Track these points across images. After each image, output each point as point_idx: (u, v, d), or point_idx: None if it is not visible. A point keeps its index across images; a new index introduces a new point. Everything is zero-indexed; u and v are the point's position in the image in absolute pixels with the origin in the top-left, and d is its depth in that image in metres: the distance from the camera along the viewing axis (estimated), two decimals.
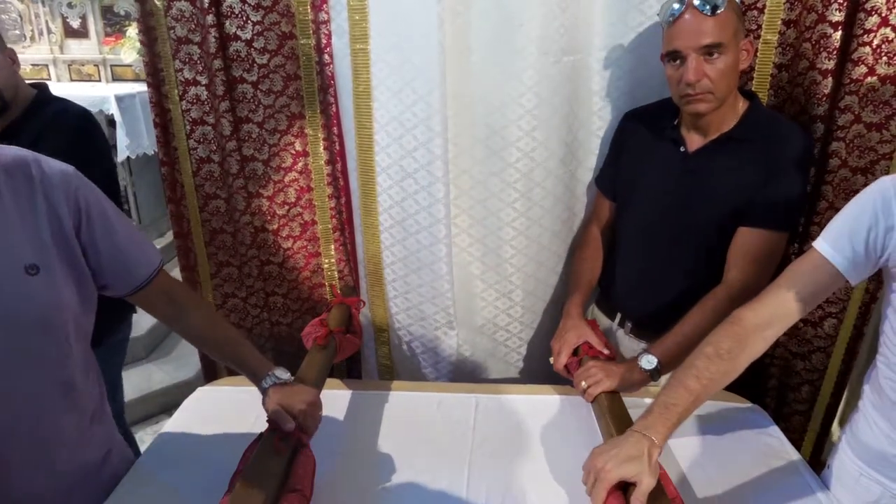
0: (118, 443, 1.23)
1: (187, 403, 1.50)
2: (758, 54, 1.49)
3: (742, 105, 1.41)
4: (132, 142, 3.41)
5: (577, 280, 1.64)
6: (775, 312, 1.11)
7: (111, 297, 1.12)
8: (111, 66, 3.87)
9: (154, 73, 1.63)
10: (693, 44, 1.29)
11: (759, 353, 1.14)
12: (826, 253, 1.07)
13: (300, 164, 1.76)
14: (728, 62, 1.30)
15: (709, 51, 1.29)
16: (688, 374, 1.11)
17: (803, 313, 1.14)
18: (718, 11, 1.27)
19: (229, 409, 1.44)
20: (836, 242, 1.07)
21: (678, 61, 1.33)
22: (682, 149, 1.45)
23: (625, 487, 1.01)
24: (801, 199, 1.40)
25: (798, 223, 1.49)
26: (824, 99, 1.42)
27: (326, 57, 1.63)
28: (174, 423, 1.42)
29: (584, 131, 1.65)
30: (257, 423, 1.26)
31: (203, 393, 1.54)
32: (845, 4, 1.35)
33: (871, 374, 1.15)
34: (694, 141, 1.44)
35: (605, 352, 1.47)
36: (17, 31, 3.83)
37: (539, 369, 1.86)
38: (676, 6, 1.30)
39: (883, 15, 1.32)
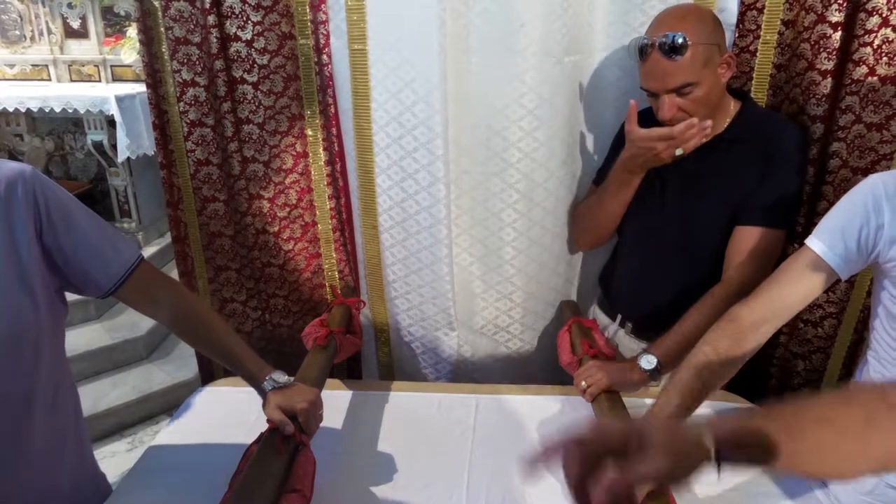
0: (90, 480, 1.19)
1: (188, 403, 1.50)
2: (757, 54, 1.49)
3: (734, 106, 1.41)
4: (132, 142, 3.41)
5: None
6: (771, 309, 1.13)
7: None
8: (111, 66, 3.87)
9: (152, 74, 1.62)
10: (661, 86, 1.32)
11: (756, 350, 1.15)
12: (818, 250, 1.09)
13: (301, 166, 1.76)
14: (703, 91, 1.31)
15: (680, 90, 1.30)
16: (689, 376, 1.11)
17: (798, 309, 1.15)
18: (679, 57, 1.27)
19: (229, 410, 1.44)
20: (829, 240, 1.09)
21: (654, 97, 1.36)
22: (677, 152, 1.45)
23: None
24: (797, 196, 1.40)
25: (795, 220, 1.48)
26: (824, 99, 1.42)
27: (325, 57, 1.63)
28: (175, 424, 1.42)
29: (586, 132, 1.65)
30: (257, 423, 1.25)
31: (203, 393, 1.54)
32: (845, 5, 1.35)
33: (863, 369, 1.18)
34: None
35: (606, 351, 1.47)
36: (17, 32, 3.82)
37: (539, 370, 1.86)
38: (643, 46, 1.31)
39: (884, 15, 1.32)
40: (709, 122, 1.29)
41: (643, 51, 1.31)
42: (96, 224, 1.05)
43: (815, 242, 1.10)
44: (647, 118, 1.53)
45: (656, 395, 1.15)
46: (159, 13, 1.56)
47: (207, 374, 1.92)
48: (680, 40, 1.26)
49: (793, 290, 1.12)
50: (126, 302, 1.12)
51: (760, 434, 0.62)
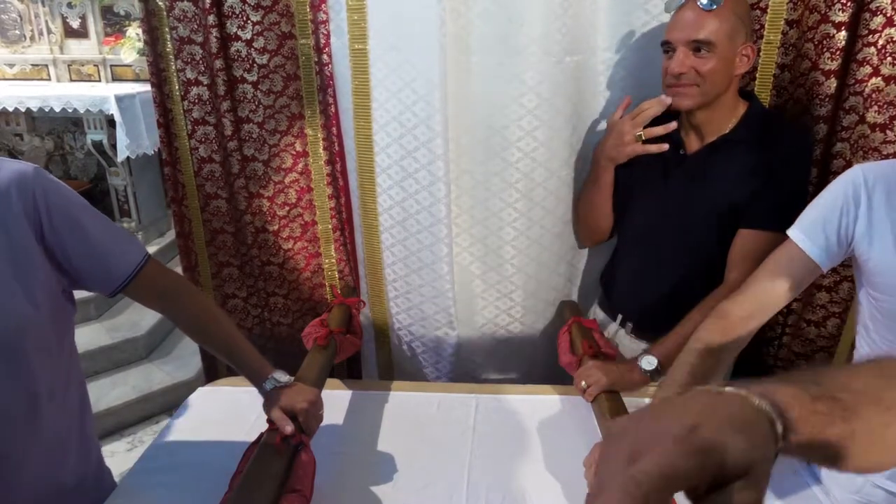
0: (94, 475, 1.19)
1: (187, 403, 1.49)
2: (760, 54, 1.49)
3: (741, 107, 1.40)
4: (132, 142, 3.39)
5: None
6: (758, 304, 1.13)
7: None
8: (111, 66, 3.86)
9: (157, 73, 1.63)
10: (683, 36, 1.31)
11: (745, 344, 1.15)
12: (800, 242, 1.10)
13: (300, 165, 1.76)
14: (718, 62, 1.31)
15: (697, 46, 1.30)
16: (683, 374, 1.12)
17: (786, 302, 1.16)
18: (712, 9, 1.28)
19: (229, 410, 1.43)
20: (810, 231, 1.09)
21: (669, 52, 1.36)
22: (681, 151, 1.45)
23: None
24: (800, 199, 1.39)
25: None
26: (827, 99, 1.41)
27: (325, 57, 1.63)
28: (174, 423, 1.42)
29: (590, 133, 1.65)
30: (257, 423, 1.25)
31: (203, 393, 1.54)
32: (849, 4, 1.35)
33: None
34: (693, 143, 1.44)
35: (606, 351, 1.47)
36: (17, 31, 3.82)
37: (539, 370, 1.85)
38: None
39: (888, 15, 1.32)
40: (668, 101, 1.37)
41: (678, 3, 1.34)
42: (102, 224, 1.05)
43: (796, 234, 1.11)
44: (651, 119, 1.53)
45: (654, 395, 1.14)
46: (164, 13, 1.57)
47: (212, 372, 1.92)
48: None
49: (778, 284, 1.12)
50: (134, 298, 1.13)
51: (825, 415, 0.48)
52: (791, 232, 1.11)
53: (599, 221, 1.62)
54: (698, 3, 1.29)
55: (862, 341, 1.11)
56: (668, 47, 1.36)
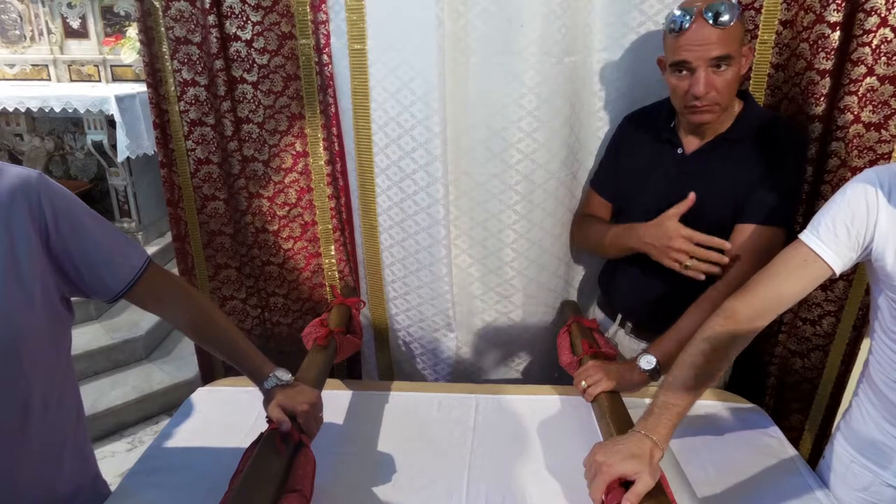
0: (91, 485, 1.19)
1: (187, 403, 1.50)
2: (755, 54, 1.50)
3: (737, 106, 1.41)
4: (132, 142, 3.41)
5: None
6: (766, 304, 1.13)
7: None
8: (111, 66, 3.87)
9: (153, 74, 1.62)
10: (703, 56, 1.27)
11: (748, 343, 1.15)
12: (813, 245, 1.09)
13: (300, 165, 1.76)
14: (735, 73, 1.30)
15: (717, 63, 1.28)
16: (687, 373, 1.11)
17: (793, 303, 1.16)
18: (726, 26, 1.24)
19: (229, 410, 1.44)
20: (823, 234, 1.08)
21: (684, 72, 1.31)
22: (679, 151, 1.45)
23: (625, 485, 1.02)
24: (796, 194, 1.40)
25: (795, 218, 1.49)
26: (822, 99, 1.42)
27: (325, 57, 1.63)
28: (174, 424, 1.42)
29: (585, 132, 1.65)
30: (257, 423, 1.26)
31: (203, 393, 1.55)
32: (843, 5, 1.35)
33: (865, 373, 1.18)
34: (691, 143, 1.45)
35: (606, 351, 1.47)
36: (17, 31, 3.83)
37: (538, 371, 1.86)
38: (685, 16, 1.27)
39: (882, 15, 1.32)
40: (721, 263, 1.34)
41: (683, 21, 1.27)
42: (104, 229, 1.05)
43: (809, 237, 1.10)
44: (647, 119, 1.54)
45: (655, 395, 1.15)
46: (160, 13, 1.57)
47: (208, 374, 1.93)
48: (729, 6, 1.24)
49: (788, 285, 1.11)
50: (134, 303, 1.13)
51: None
52: (804, 236, 1.10)
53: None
54: (713, 22, 1.24)
55: (880, 343, 1.11)
56: (683, 67, 1.31)
